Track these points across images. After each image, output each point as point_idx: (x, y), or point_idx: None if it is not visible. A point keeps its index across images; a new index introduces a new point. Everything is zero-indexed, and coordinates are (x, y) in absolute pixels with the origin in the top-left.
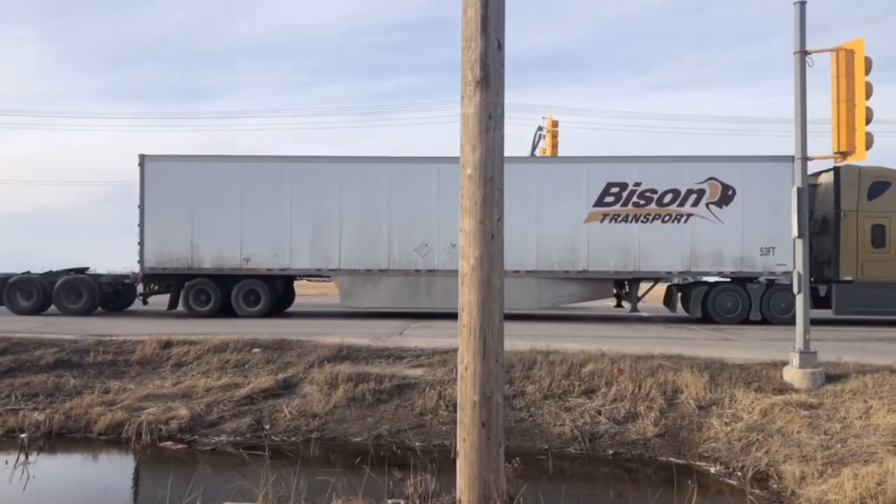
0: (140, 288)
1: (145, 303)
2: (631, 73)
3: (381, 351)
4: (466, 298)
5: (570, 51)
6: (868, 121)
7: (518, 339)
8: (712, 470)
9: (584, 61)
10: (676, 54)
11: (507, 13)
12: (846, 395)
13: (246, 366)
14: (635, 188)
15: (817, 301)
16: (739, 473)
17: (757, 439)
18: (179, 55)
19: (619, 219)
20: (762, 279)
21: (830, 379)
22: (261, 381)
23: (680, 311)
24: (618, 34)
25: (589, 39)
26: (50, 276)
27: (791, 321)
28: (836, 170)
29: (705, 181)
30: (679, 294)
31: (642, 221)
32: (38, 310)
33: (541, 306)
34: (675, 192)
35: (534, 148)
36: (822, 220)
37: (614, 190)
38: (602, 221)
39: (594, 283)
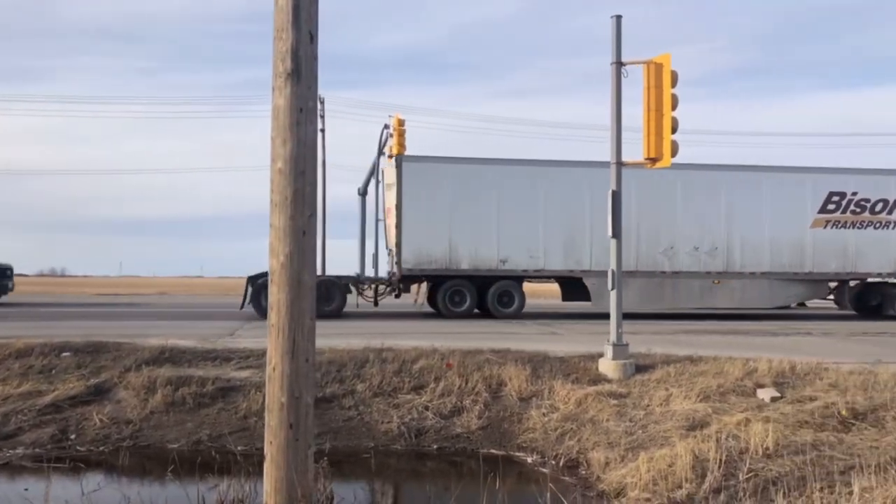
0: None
1: (376, 304)
2: (487, 77)
3: (208, 353)
4: (275, 297)
5: (426, 52)
6: (674, 130)
7: (354, 338)
8: (529, 460)
9: (440, 63)
10: (530, 61)
11: (363, 10)
12: (651, 384)
13: (53, 371)
14: (852, 197)
15: None
16: (553, 462)
17: (571, 428)
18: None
19: (839, 225)
20: None
21: (640, 369)
22: (68, 388)
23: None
24: (476, 39)
25: (447, 42)
26: None
27: None
28: None
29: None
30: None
31: (858, 228)
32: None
33: (772, 304)
34: (885, 202)
35: (381, 146)
36: None
37: (835, 199)
38: (825, 227)
39: (815, 283)
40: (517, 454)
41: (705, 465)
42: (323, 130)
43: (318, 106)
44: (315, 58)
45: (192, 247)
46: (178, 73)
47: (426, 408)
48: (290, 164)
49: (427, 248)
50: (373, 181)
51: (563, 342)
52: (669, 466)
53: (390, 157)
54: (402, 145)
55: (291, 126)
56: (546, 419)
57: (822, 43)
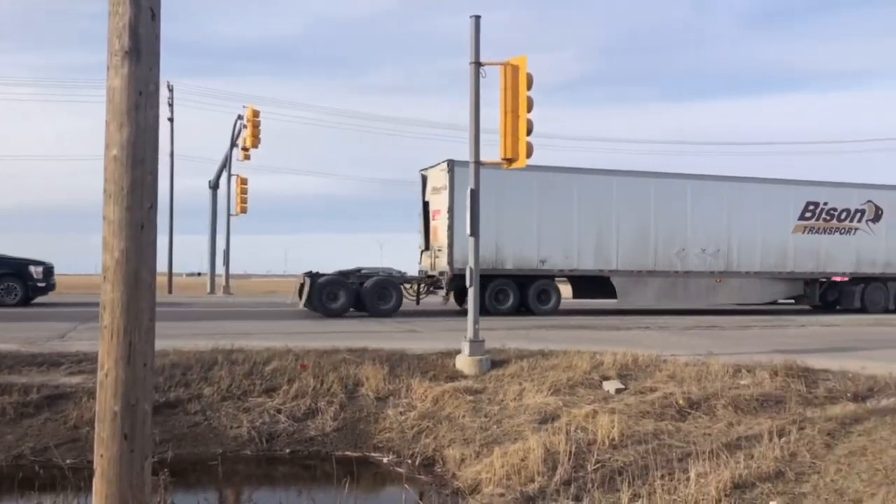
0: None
1: (417, 303)
2: (351, 73)
3: (33, 357)
4: (109, 296)
5: (286, 45)
6: (529, 132)
7: (202, 339)
8: (385, 460)
9: (301, 56)
10: (395, 58)
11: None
12: (506, 379)
13: None
14: (824, 206)
15: None
16: (409, 461)
17: (427, 426)
18: None
19: (814, 231)
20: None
21: (496, 365)
22: None
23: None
24: (340, 32)
25: (308, 34)
26: (359, 278)
27: None
28: None
29: (865, 203)
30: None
31: (828, 233)
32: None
33: (762, 301)
34: (848, 211)
35: (234, 138)
36: None
37: (811, 207)
38: (804, 232)
39: (794, 282)
40: (373, 455)
41: (556, 457)
42: (171, 119)
43: (167, 94)
44: (157, 37)
45: (17, 240)
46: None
47: (278, 411)
48: (127, 150)
49: (465, 251)
50: (224, 173)
51: (422, 340)
52: (522, 460)
53: (244, 149)
54: (256, 137)
55: (129, 110)
56: (403, 418)
57: (658, 57)
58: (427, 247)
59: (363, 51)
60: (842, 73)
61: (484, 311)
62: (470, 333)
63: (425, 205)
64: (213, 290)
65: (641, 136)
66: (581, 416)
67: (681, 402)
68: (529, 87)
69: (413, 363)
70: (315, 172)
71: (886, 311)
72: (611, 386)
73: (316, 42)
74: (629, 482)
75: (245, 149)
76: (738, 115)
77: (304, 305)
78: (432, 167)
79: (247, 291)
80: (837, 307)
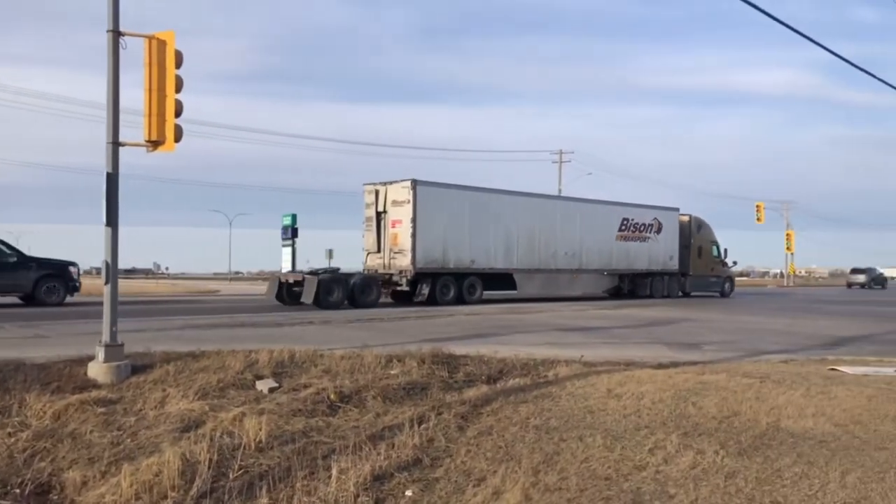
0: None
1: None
2: None
3: None
4: None
5: None
6: (178, 113)
7: None
8: None
9: None
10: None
11: None
12: (148, 386)
13: None
14: (632, 222)
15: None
16: (18, 490)
17: (45, 447)
18: None
19: (626, 239)
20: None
21: (137, 370)
22: None
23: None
24: None
25: None
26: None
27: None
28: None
29: (651, 222)
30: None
31: (634, 241)
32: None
33: (598, 291)
34: (645, 225)
35: None
36: (683, 244)
37: (625, 222)
38: (621, 240)
39: (615, 276)
40: None
41: (196, 468)
42: None
43: None
44: None
45: None
46: None
47: None
48: None
49: (430, 253)
50: None
51: (49, 346)
52: (156, 476)
53: None
54: None
55: None
56: (12, 440)
57: (332, 58)
58: (378, 249)
59: None
60: (491, 88)
61: (432, 301)
62: (106, 337)
63: (378, 214)
64: None
65: (315, 133)
66: (228, 420)
67: (332, 396)
68: (178, 66)
69: (32, 374)
70: None
71: (663, 296)
72: (264, 385)
73: None
74: (270, 486)
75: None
76: (405, 121)
77: (316, 304)
78: (390, 183)
79: None
80: (634, 295)
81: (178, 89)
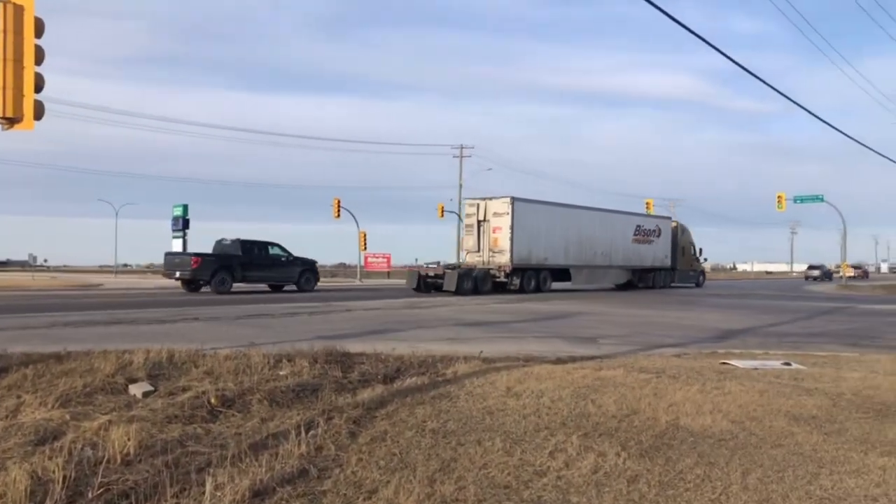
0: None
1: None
2: None
3: None
4: None
5: None
6: (39, 89)
7: None
8: None
9: None
10: None
11: None
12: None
13: None
14: (642, 227)
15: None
16: None
17: None
18: None
19: (638, 242)
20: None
21: None
22: None
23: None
24: None
25: None
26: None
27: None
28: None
29: (654, 228)
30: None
31: (643, 243)
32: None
33: (614, 283)
34: (650, 231)
35: None
36: (674, 245)
37: (637, 228)
38: (635, 243)
39: (629, 272)
40: None
41: (48, 487)
42: None
43: None
44: None
45: None
46: None
47: None
48: None
49: (524, 253)
50: None
51: None
52: (0, 498)
53: None
54: None
55: None
56: None
57: (231, 46)
58: (478, 249)
59: None
60: (394, 82)
61: (522, 291)
62: None
63: (478, 222)
64: None
65: (212, 121)
66: (92, 430)
67: (213, 400)
68: (39, 35)
69: None
70: None
71: (662, 287)
72: (138, 389)
73: None
74: None
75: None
76: (307, 111)
77: (455, 292)
78: (490, 199)
79: None
80: (640, 286)
81: (39, 61)
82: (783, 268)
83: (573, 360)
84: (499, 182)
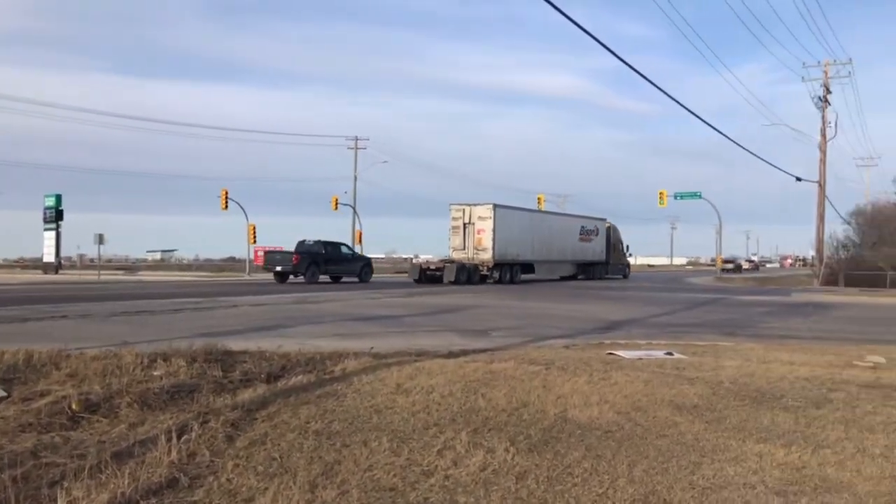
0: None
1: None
2: None
3: None
4: None
5: None
6: None
7: None
8: None
9: None
10: None
11: None
12: None
13: None
14: (586, 227)
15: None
16: None
17: None
18: None
19: (583, 240)
20: (600, 264)
21: None
22: None
23: None
24: None
25: None
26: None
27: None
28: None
29: (594, 228)
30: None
31: (586, 241)
32: None
33: (568, 274)
34: (591, 230)
35: None
36: (608, 242)
37: (582, 229)
38: (581, 241)
39: (576, 265)
40: None
41: None
42: None
43: None
44: None
45: None
46: None
47: None
48: None
49: (502, 250)
50: None
51: None
52: None
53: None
54: None
55: None
56: None
57: (113, 28)
58: (464, 247)
59: None
60: (290, 72)
61: (503, 281)
62: None
63: (464, 224)
64: None
65: (94, 106)
66: None
67: (75, 406)
68: None
69: None
70: None
71: (598, 278)
72: None
73: None
74: None
75: None
76: (196, 98)
77: (454, 282)
78: (474, 205)
79: None
80: (580, 277)
81: None
82: (664, 261)
83: (465, 353)
84: (398, 176)
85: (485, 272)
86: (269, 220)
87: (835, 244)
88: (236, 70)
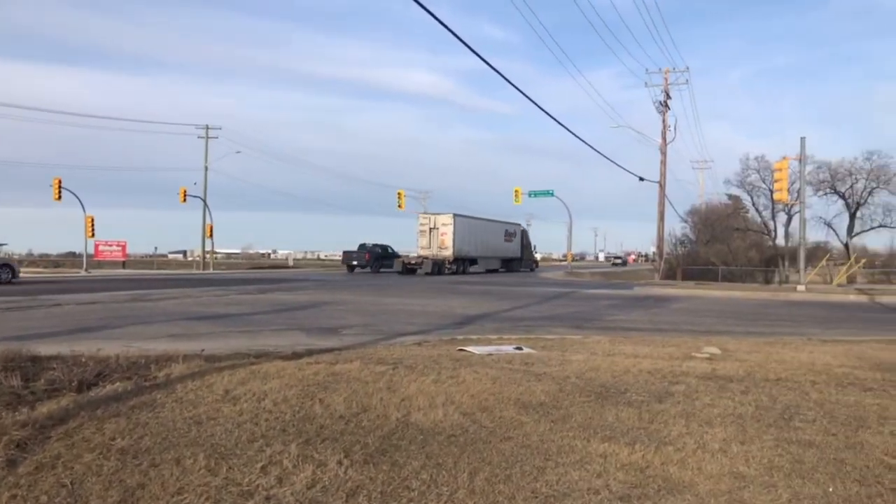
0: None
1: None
2: None
3: None
4: None
5: None
6: None
7: None
8: None
9: None
10: None
11: None
12: None
13: None
14: (508, 230)
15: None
16: None
17: None
18: None
19: (507, 241)
20: (517, 260)
21: None
22: None
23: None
24: None
25: None
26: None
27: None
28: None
29: (514, 231)
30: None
31: (508, 241)
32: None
33: (493, 268)
34: (511, 233)
35: None
36: (522, 243)
37: (506, 231)
38: (505, 241)
39: (502, 261)
40: None
41: None
42: None
43: None
44: None
45: None
46: None
47: None
48: None
49: (458, 249)
50: None
51: None
52: None
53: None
54: None
55: None
56: None
57: None
58: (429, 246)
59: None
60: (144, 58)
61: (458, 272)
62: None
63: (430, 229)
64: None
65: None
66: None
67: None
68: None
69: None
70: None
71: (515, 271)
72: None
73: None
74: None
75: None
76: (38, 81)
77: (430, 273)
78: (439, 214)
79: None
80: (501, 270)
81: None
82: None
83: (310, 353)
84: (258, 169)
85: (447, 265)
86: (113, 213)
87: (674, 241)
88: (88, 54)
